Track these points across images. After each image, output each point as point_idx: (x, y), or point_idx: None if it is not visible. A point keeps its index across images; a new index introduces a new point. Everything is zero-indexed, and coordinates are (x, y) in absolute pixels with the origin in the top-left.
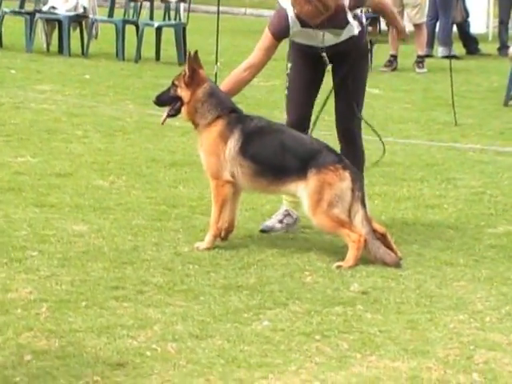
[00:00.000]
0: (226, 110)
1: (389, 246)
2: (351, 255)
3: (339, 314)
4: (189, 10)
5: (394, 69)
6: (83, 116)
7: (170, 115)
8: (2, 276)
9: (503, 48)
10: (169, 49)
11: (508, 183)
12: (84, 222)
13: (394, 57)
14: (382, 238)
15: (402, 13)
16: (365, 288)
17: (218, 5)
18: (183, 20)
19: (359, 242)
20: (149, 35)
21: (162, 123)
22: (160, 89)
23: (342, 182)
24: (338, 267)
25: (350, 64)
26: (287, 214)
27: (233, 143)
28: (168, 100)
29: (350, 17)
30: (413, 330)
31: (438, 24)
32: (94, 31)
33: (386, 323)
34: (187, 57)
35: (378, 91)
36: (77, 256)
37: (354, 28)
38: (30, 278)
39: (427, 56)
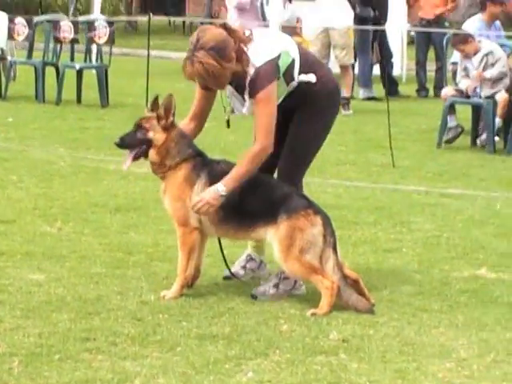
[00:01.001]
0: (193, 153)
1: (361, 293)
2: (325, 302)
3: (323, 363)
4: (110, 53)
5: None
6: (14, 160)
7: (135, 159)
8: None
9: (421, 89)
10: (89, 91)
11: (462, 226)
12: (40, 271)
13: None
14: (355, 284)
15: (328, 55)
16: (344, 336)
17: (148, 47)
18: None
19: (332, 288)
20: (69, 77)
21: (126, 168)
22: (86, 132)
23: (314, 227)
24: (313, 314)
25: (296, 121)
26: (250, 259)
27: (199, 188)
28: (136, 143)
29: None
30: (403, 380)
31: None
32: (12, 73)
33: (373, 373)
34: (164, 100)
35: None
36: (39, 306)
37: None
38: None
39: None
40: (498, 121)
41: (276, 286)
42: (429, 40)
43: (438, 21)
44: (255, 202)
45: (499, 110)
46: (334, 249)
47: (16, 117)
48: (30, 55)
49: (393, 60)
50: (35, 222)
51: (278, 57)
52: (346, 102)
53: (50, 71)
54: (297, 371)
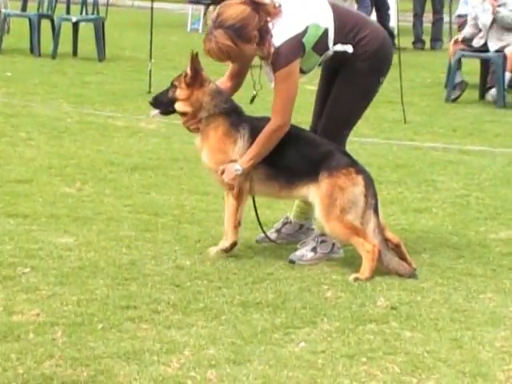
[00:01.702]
0: (230, 108)
1: (403, 257)
2: (366, 267)
3: (375, 332)
4: (107, 5)
5: None
6: (20, 116)
7: (162, 113)
8: (1, 297)
9: (418, 42)
10: (85, 44)
11: (489, 184)
12: (68, 234)
13: None
14: (396, 249)
15: None
16: (391, 302)
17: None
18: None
19: (373, 252)
20: (65, 30)
21: (153, 116)
22: (88, 86)
23: (355, 186)
24: (356, 280)
25: (337, 83)
26: (286, 223)
27: (242, 144)
28: (167, 102)
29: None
30: (460, 349)
31: None
32: (6, 26)
33: (428, 342)
34: (190, 57)
35: (314, 87)
36: (73, 272)
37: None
38: (31, 299)
39: None
40: (508, 75)
41: (314, 249)
42: None
43: None
44: (298, 160)
45: (509, 64)
46: (376, 211)
47: (14, 71)
48: (24, 7)
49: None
50: (53, 182)
51: (304, 32)
52: None
53: (45, 24)
54: (349, 341)
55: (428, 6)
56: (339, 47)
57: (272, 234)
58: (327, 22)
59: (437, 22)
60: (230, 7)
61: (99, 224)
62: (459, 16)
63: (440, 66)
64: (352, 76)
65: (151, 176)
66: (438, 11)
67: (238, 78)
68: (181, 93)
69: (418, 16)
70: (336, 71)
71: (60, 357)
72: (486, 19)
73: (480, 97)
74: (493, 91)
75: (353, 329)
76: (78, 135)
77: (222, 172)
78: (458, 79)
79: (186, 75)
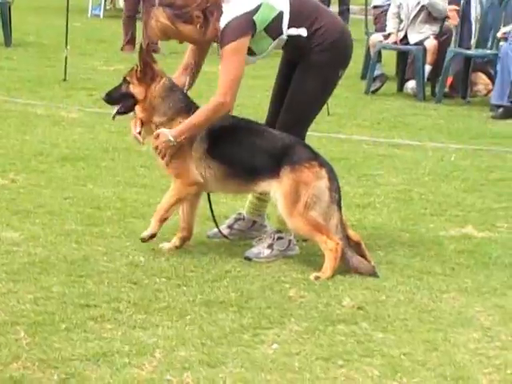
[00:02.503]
0: (186, 107)
1: (362, 255)
2: (328, 265)
3: (347, 333)
4: None
5: None
6: None
7: (120, 113)
8: None
9: None
10: None
11: (429, 180)
12: (12, 228)
13: None
14: (356, 246)
15: None
16: (357, 302)
17: None
18: None
19: (336, 251)
20: None
21: (113, 118)
22: (1, 72)
23: (319, 180)
24: (317, 278)
25: (295, 76)
26: (239, 219)
27: (199, 143)
28: (119, 97)
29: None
30: (436, 351)
31: None
32: None
33: (402, 344)
34: (139, 50)
35: None
36: (24, 268)
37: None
38: None
39: None
40: (428, 68)
41: (270, 246)
42: None
43: None
44: (258, 155)
45: (429, 57)
46: (339, 206)
47: None
48: None
49: None
50: None
51: (255, 10)
52: None
53: None
54: (321, 343)
55: None
56: (293, 31)
57: (224, 230)
58: (282, 4)
59: (342, 14)
60: None
61: (42, 217)
62: (375, 7)
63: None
64: (310, 68)
65: (83, 167)
66: (343, 1)
67: (193, 70)
68: (134, 89)
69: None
70: (294, 66)
71: (26, 358)
72: (410, 9)
73: (398, 89)
74: (411, 83)
75: (323, 330)
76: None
77: (157, 136)
78: (378, 71)
79: (137, 69)
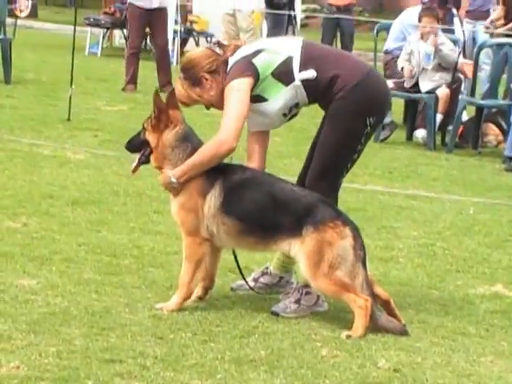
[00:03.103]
0: None
1: (392, 314)
2: (359, 323)
3: None
4: (15, 24)
5: None
6: None
7: (141, 162)
8: None
9: None
10: None
11: (450, 234)
12: (28, 276)
13: None
14: (385, 305)
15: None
16: (392, 364)
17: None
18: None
19: (366, 308)
20: None
21: (133, 172)
22: (3, 111)
23: (344, 239)
24: (348, 337)
25: (323, 127)
26: (265, 273)
27: (213, 199)
28: (139, 145)
29: None
30: None
31: None
32: None
33: None
34: (154, 94)
35: None
36: (44, 319)
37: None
38: (6, 348)
39: None
40: (439, 116)
41: (298, 301)
42: (337, 27)
43: (348, 8)
44: (277, 213)
45: (441, 106)
46: (364, 263)
47: None
48: None
49: None
50: None
51: (254, 54)
52: None
53: None
54: None
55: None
56: (304, 74)
57: (249, 283)
58: (291, 51)
59: None
60: (194, 50)
61: (58, 265)
62: (386, 52)
63: None
64: (334, 118)
65: (95, 212)
66: (347, 46)
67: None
68: (149, 137)
69: None
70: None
71: None
72: (422, 56)
73: (407, 137)
74: (421, 132)
75: None
76: (5, 164)
77: (161, 177)
78: (387, 119)
79: (152, 115)
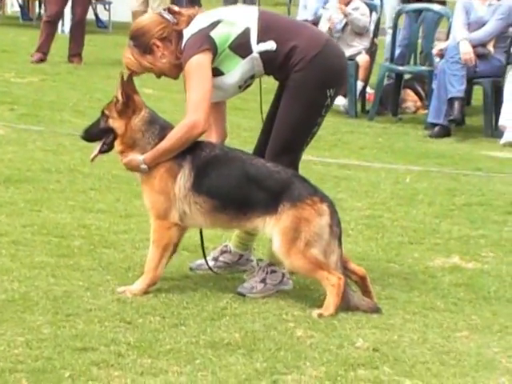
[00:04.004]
0: None
1: (366, 290)
2: (331, 302)
3: (370, 379)
4: None
5: None
6: None
7: (102, 151)
8: None
9: None
10: None
11: (394, 204)
12: None
13: None
14: (361, 281)
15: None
16: (370, 344)
17: None
18: None
19: (339, 286)
20: None
21: (92, 161)
22: None
23: (321, 217)
24: (320, 316)
25: (282, 100)
26: (225, 252)
27: (183, 180)
28: (99, 134)
29: None
30: None
31: None
32: None
33: None
34: (120, 80)
35: (151, 91)
36: (5, 306)
37: None
38: None
39: None
40: (360, 84)
41: (263, 280)
42: None
43: None
44: (250, 188)
45: (361, 73)
46: (340, 240)
47: None
48: None
49: None
50: None
51: (211, 26)
52: None
53: None
54: None
55: None
56: (262, 46)
57: (209, 262)
58: (248, 21)
59: None
60: (140, 17)
61: (7, 248)
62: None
63: None
64: (292, 91)
65: (30, 190)
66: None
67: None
68: (114, 123)
69: None
70: (283, 88)
71: None
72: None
73: None
74: (342, 100)
75: (344, 375)
76: None
77: (128, 162)
78: None
79: (117, 101)
